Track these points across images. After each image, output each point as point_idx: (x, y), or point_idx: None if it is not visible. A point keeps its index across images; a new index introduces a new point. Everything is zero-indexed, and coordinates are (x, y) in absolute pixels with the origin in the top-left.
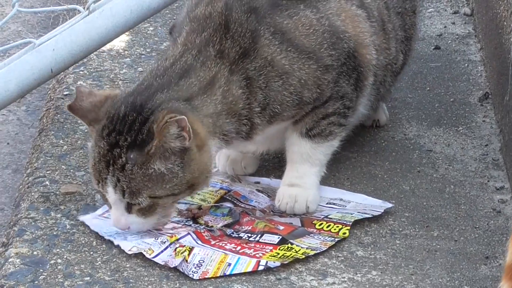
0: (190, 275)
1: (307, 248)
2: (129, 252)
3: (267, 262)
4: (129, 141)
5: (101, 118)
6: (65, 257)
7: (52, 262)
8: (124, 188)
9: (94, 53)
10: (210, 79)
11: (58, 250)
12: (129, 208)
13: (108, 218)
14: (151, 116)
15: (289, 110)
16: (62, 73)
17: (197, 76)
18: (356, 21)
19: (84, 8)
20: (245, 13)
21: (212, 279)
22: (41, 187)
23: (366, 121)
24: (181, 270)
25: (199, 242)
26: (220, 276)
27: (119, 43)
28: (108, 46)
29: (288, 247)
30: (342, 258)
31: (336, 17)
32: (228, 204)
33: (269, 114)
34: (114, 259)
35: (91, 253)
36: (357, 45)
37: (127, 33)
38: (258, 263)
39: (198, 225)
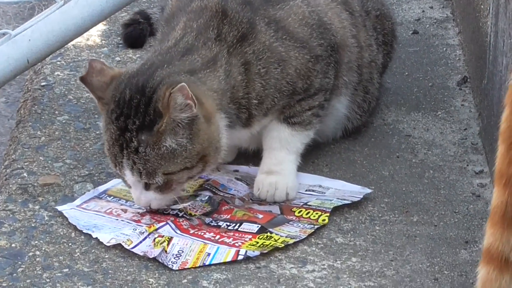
0: (170, 266)
1: (286, 237)
2: (108, 244)
3: (246, 251)
4: (138, 124)
5: (107, 99)
6: (43, 249)
7: (30, 254)
8: (140, 170)
9: (71, 43)
10: (212, 57)
11: (36, 242)
12: (147, 187)
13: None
14: (154, 95)
15: (283, 100)
16: (39, 63)
17: (199, 54)
18: (342, 19)
19: None
20: (240, 5)
21: (192, 269)
22: (19, 179)
23: None
24: (160, 260)
25: (178, 231)
26: (200, 266)
27: (96, 32)
28: (85, 35)
29: (267, 235)
30: (322, 245)
31: (323, 13)
32: (207, 193)
33: (266, 107)
34: (93, 250)
35: (70, 244)
36: (341, 41)
37: (104, 22)
38: (237, 253)
39: (177, 211)
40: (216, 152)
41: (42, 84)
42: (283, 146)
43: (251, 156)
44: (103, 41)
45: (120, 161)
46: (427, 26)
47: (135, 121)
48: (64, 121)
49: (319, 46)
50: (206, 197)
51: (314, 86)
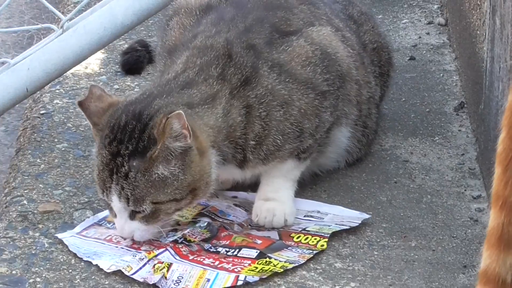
0: None
1: (285, 262)
2: (108, 271)
3: (245, 277)
4: (131, 150)
5: (102, 125)
6: (44, 275)
7: (31, 281)
8: (128, 196)
9: (70, 71)
10: (212, 95)
11: (36, 269)
12: (132, 216)
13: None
14: (150, 122)
15: (289, 143)
16: (38, 92)
17: (199, 89)
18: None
19: (58, 26)
20: (245, 49)
21: None
22: (19, 206)
23: None
24: (160, 286)
25: (177, 257)
26: None
27: (95, 61)
28: (83, 64)
29: (266, 261)
30: (321, 270)
31: (327, 44)
32: (206, 219)
33: (265, 151)
34: (93, 277)
35: (70, 271)
36: (347, 70)
37: (102, 50)
38: (237, 278)
39: (176, 236)
40: (206, 186)
41: (41, 112)
42: (283, 175)
43: (249, 182)
44: (102, 69)
45: (108, 186)
46: (424, 52)
47: (128, 146)
48: (63, 149)
49: (325, 81)
50: (205, 224)
51: (329, 121)
